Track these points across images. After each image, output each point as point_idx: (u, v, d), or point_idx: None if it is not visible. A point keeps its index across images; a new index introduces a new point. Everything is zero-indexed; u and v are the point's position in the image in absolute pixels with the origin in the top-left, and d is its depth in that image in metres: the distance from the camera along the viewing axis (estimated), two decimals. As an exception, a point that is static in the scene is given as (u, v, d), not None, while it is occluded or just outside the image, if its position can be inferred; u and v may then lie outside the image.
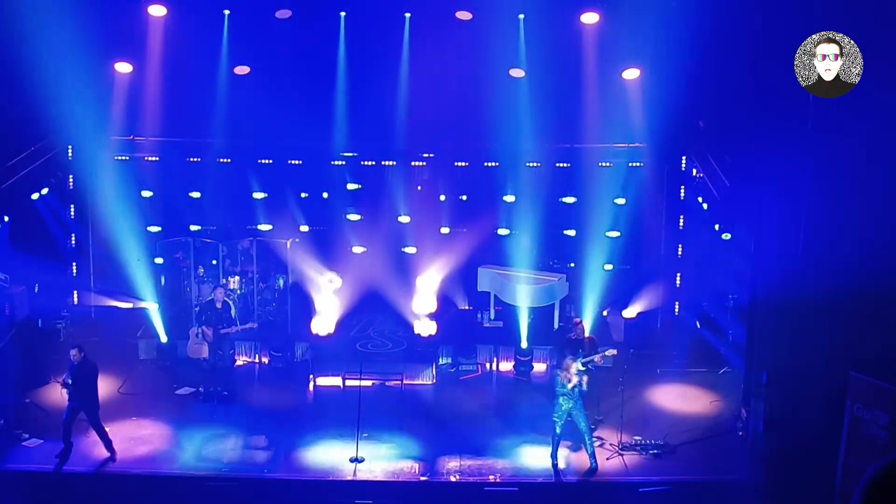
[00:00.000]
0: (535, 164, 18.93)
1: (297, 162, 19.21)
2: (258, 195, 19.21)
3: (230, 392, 16.61)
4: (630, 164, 18.96)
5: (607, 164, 18.98)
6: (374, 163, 19.31)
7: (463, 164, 19.32)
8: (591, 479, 14.25)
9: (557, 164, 19.06)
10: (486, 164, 19.20)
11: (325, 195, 19.46)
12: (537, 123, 18.30)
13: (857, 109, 11.49)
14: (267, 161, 19.13)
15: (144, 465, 14.33)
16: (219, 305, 16.66)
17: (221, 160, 19.01)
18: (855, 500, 3.31)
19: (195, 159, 19.02)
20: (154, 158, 19.13)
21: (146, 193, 19.07)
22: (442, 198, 19.35)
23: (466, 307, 19.43)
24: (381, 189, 19.38)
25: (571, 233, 19.33)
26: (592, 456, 14.34)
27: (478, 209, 19.39)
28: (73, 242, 19.43)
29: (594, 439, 14.78)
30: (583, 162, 18.95)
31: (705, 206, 18.13)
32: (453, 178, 19.43)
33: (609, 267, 18.89)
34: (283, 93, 17.82)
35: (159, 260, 18.90)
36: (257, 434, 15.44)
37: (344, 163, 19.18)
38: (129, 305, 18.63)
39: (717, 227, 17.57)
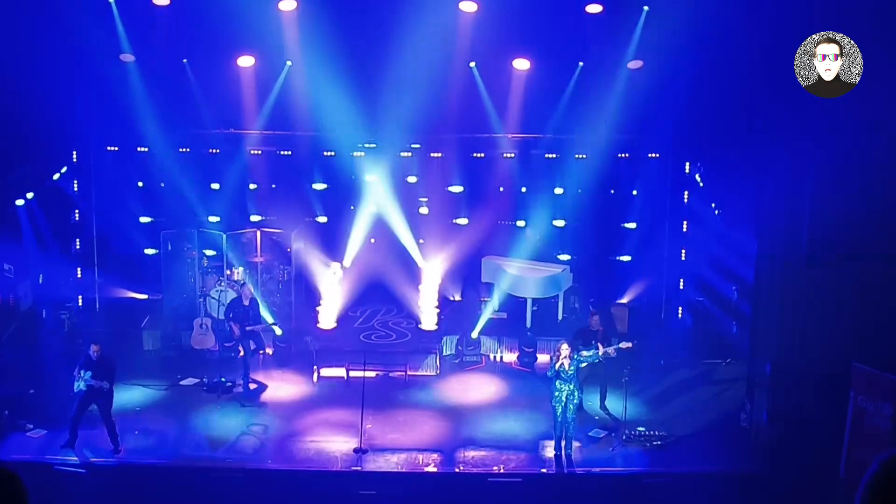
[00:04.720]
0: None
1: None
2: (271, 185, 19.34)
3: (234, 383, 16.64)
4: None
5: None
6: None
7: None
8: (594, 469, 14.26)
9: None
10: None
11: (322, 186, 19.47)
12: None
13: (864, 101, 11.45)
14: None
15: (148, 456, 14.36)
16: (246, 302, 16.67)
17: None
18: (860, 492, 3.31)
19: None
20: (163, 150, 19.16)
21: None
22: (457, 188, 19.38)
23: (481, 298, 19.36)
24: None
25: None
26: (568, 444, 14.38)
27: (480, 200, 19.37)
28: (78, 238, 19.40)
29: (598, 431, 15.02)
30: (581, 152, 18.85)
31: (714, 205, 18.07)
32: (453, 169, 19.39)
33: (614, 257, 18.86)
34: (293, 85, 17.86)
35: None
36: (261, 424, 15.48)
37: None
38: (134, 296, 18.66)
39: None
